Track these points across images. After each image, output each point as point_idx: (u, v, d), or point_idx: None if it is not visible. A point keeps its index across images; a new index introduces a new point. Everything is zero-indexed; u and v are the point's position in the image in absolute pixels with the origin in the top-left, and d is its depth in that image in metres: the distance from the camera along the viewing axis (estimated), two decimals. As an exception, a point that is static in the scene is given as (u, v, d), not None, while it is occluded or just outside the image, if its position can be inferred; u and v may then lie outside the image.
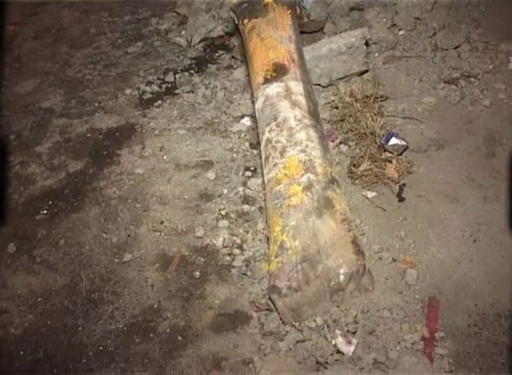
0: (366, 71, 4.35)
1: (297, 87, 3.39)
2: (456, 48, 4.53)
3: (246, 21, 3.80)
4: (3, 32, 5.54)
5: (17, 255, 3.50)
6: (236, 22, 3.99)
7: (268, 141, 3.24)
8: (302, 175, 3.03)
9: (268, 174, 3.17)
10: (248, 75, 4.00)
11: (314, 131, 3.22)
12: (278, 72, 3.45)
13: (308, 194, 2.98)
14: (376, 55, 4.56)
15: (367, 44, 4.31)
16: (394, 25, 4.75)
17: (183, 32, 5.29)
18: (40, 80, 5.05)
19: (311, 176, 3.03)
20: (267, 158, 3.22)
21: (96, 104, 4.62)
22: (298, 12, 4.12)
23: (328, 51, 4.18)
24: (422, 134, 3.86)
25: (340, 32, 4.59)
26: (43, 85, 4.97)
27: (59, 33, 5.71)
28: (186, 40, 5.18)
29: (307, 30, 4.71)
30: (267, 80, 3.45)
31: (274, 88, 3.39)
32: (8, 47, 5.55)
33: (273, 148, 3.19)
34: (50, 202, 3.80)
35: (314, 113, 3.34)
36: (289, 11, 3.81)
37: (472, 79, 4.27)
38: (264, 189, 3.38)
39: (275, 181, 3.10)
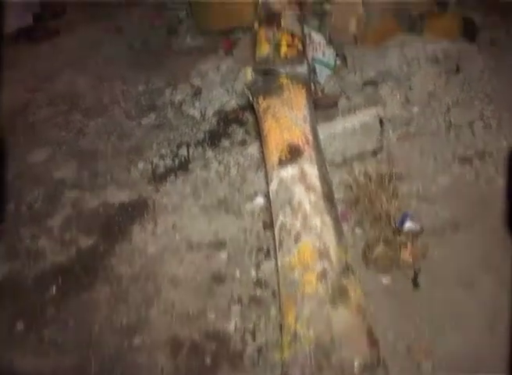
0: (380, 149, 4.34)
1: (312, 170, 3.37)
2: (469, 124, 4.53)
3: (260, 99, 3.80)
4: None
5: (25, 334, 3.45)
6: (251, 99, 4.00)
7: (282, 225, 3.20)
8: (316, 262, 2.99)
9: (281, 260, 3.13)
10: (262, 152, 3.99)
11: (329, 216, 3.18)
12: (292, 154, 3.43)
13: (323, 282, 2.93)
14: (390, 131, 4.54)
15: (381, 122, 4.32)
16: (408, 100, 4.76)
17: (197, 104, 5.28)
18: (53, 149, 5.04)
19: (326, 263, 2.98)
20: (281, 243, 3.17)
21: (108, 177, 4.60)
22: (312, 88, 4.13)
23: (342, 129, 4.19)
24: (437, 216, 3.82)
25: (354, 108, 4.60)
26: (56, 155, 4.96)
27: (73, 100, 5.72)
28: (199, 112, 5.17)
29: (322, 105, 4.72)
30: (281, 162, 3.42)
31: (289, 171, 3.36)
32: (23, 114, 5.56)
33: (287, 233, 3.15)
34: (60, 279, 3.76)
35: (328, 196, 3.31)
36: (304, 89, 3.82)
37: (487, 157, 4.25)
38: (277, 272, 3.34)
39: (288, 268, 3.05)
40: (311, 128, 3.61)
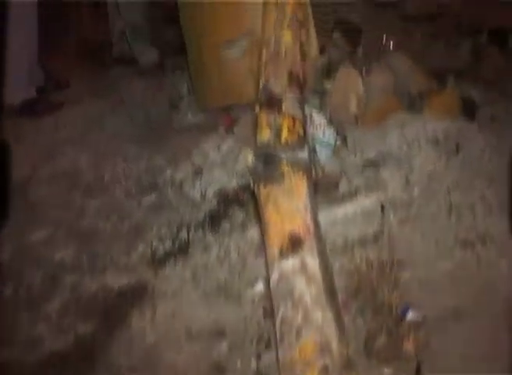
0: (381, 233, 4.33)
1: (313, 261, 3.34)
2: (470, 207, 4.52)
3: (261, 187, 3.79)
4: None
5: None
6: (252, 185, 3.99)
7: (283, 319, 3.16)
8: (318, 358, 2.94)
9: (282, 356, 3.08)
10: (263, 235, 3.97)
11: (330, 309, 3.15)
12: (293, 244, 3.41)
13: (324, 379, 2.89)
14: (391, 215, 4.52)
15: (382, 206, 4.32)
16: (408, 182, 4.76)
17: (198, 184, 5.26)
18: (53, 229, 4.96)
19: (327, 359, 2.94)
20: (282, 338, 3.13)
21: (108, 259, 4.53)
22: (313, 170, 4.14)
23: (343, 215, 4.19)
24: (439, 304, 3.77)
25: (355, 191, 4.61)
26: (55, 235, 4.89)
27: (75, 178, 5.68)
28: (200, 192, 5.15)
29: (323, 186, 4.71)
30: (282, 253, 3.39)
31: (289, 262, 3.33)
32: (23, 190, 5.52)
33: (288, 328, 3.11)
34: (58, 368, 3.70)
35: (330, 288, 3.28)
36: (305, 176, 3.81)
37: (488, 241, 4.22)
38: (278, 366, 3.29)
39: (289, 364, 3.01)
40: (312, 217, 3.60)
